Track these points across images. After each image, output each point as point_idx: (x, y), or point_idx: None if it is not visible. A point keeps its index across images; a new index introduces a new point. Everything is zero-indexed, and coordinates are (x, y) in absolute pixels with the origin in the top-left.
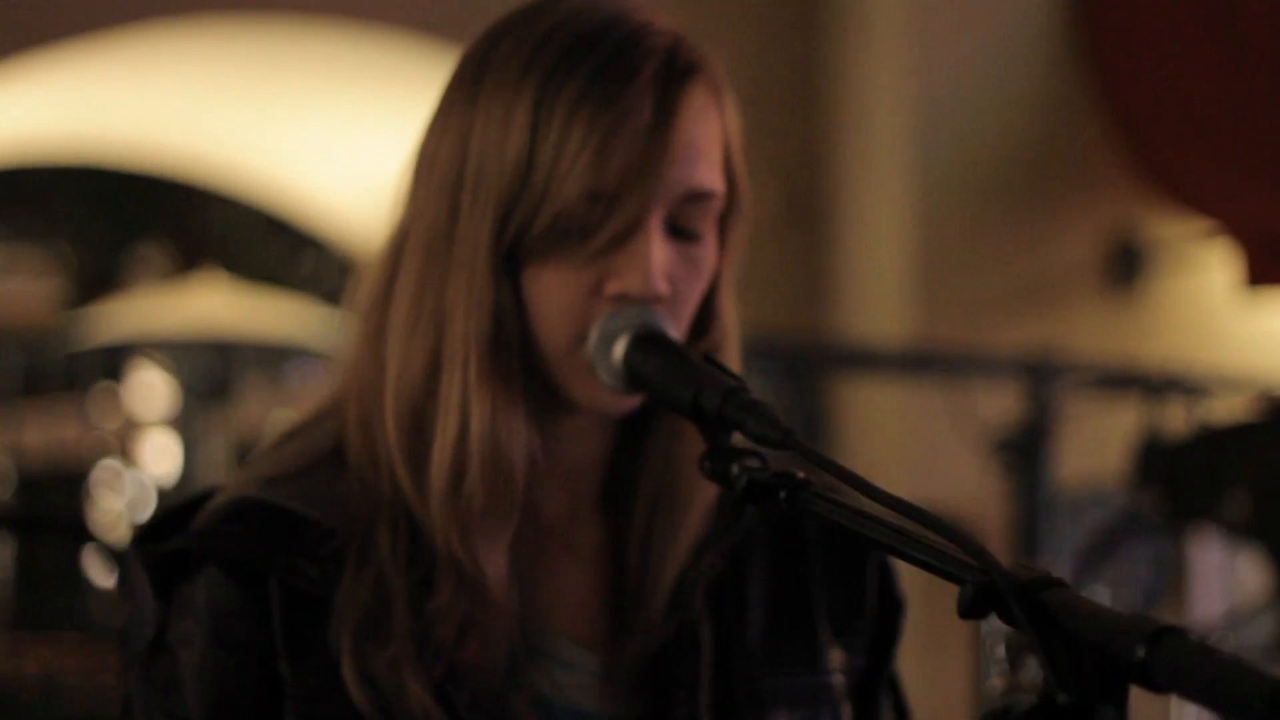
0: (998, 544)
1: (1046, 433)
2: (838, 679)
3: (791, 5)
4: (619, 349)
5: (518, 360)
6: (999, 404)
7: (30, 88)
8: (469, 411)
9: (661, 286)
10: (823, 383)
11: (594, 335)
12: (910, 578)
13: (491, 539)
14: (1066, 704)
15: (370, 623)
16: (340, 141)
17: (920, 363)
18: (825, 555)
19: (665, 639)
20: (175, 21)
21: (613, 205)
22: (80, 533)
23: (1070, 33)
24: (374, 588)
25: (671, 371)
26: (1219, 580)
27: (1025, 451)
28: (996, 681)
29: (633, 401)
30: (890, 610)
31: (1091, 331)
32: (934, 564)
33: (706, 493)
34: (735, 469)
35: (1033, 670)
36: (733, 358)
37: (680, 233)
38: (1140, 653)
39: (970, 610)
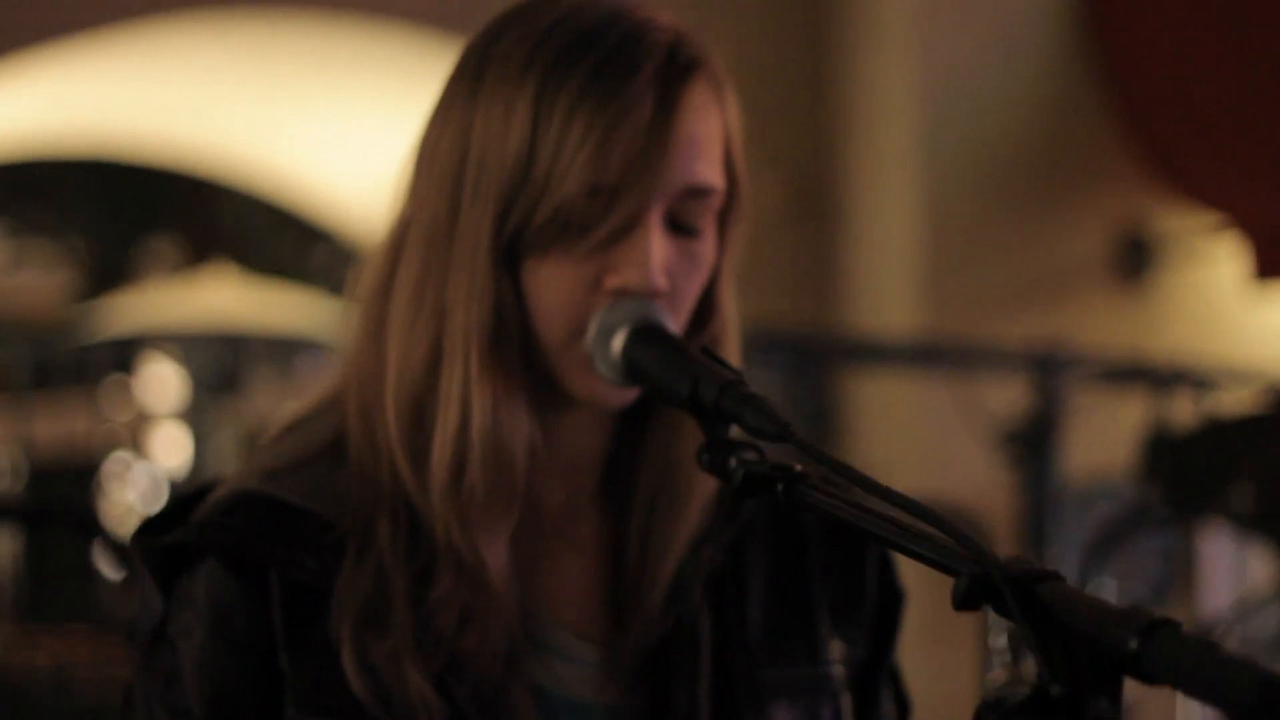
0: (1005, 537)
1: (1054, 425)
2: (838, 670)
3: (800, 1)
4: (618, 342)
5: (518, 353)
6: (1007, 397)
7: (41, 82)
8: (470, 403)
9: (661, 281)
10: (831, 376)
11: (593, 328)
12: (915, 571)
13: (492, 530)
14: (1060, 696)
15: (370, 613)
16: (350, 134)
17: (928, 356)
18: (825, 547)
19: (664, 631)
20: (185, 15)
21: (613, 200)
22: (90, 525)
23: (1078, 27)
24: (374, 578)
25: (669, 364)
26: (1228, 573)
27: (1033, 444)
28: (998, 673)
29: (630, 394)
30: (890, 601)
31: (1099, 325)
32: (930, 556)
33: (706, 486)
34: (733, 462)
35: (1033, 662)
36: (732, 352)
37: (680, 228)
38: (1133, 645)
39: (964, 602)
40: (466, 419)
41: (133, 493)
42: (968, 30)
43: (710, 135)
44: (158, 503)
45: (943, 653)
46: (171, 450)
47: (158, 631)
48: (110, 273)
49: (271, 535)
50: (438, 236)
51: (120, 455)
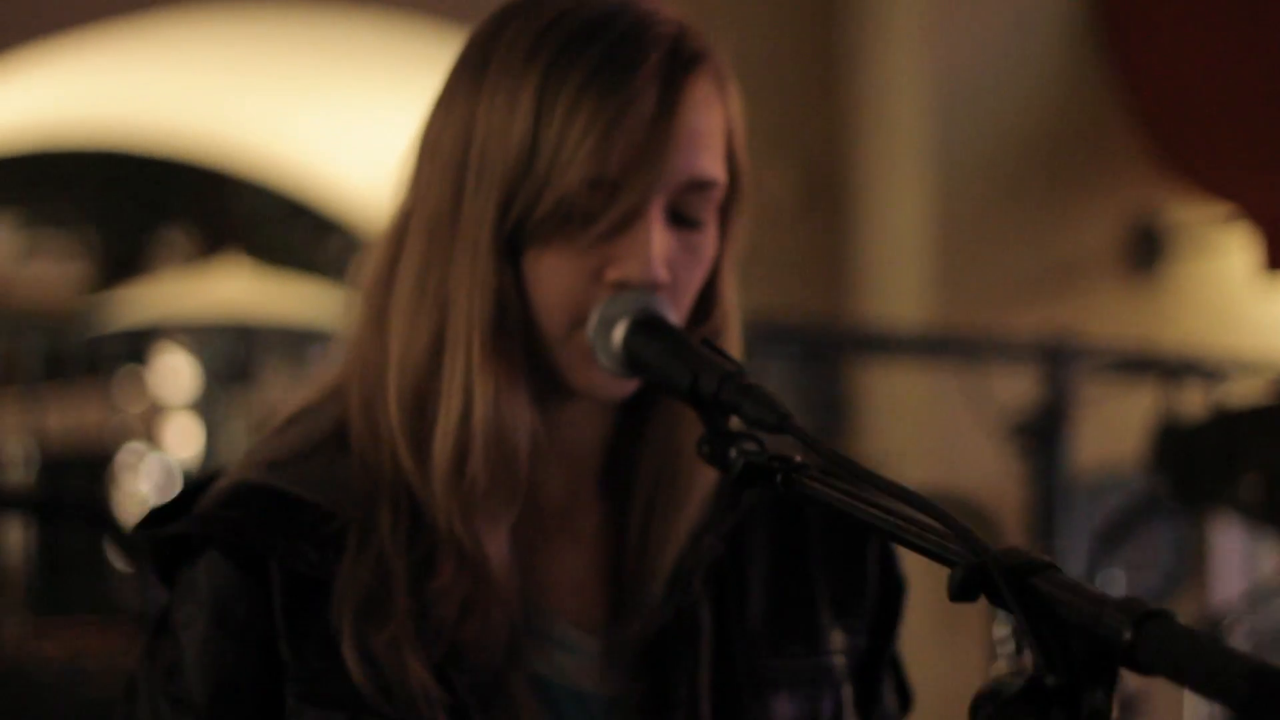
0: (1015, 527)
1: (1064, 416)
2: (839, 660)
3: None
4: (619, 333)
5: (519, 344)
6: (1016, 388)
7: (55, 73)
8: (472, 393)
9: (662, 274)
10: (842, 367)
11: (594, 319)
12: (925, 562)
13: (493, 520)
14: (1055, 687)
15: (371, 602)
16: (363, 126)
17: (937, 347)
18: (826, 537)
19: (664, 622)
20: (199, 7)
21: (615, 192)
22: (103, 516)
23: (1090, 16)
24: (375, 568)
25: (670, 355)
26: (1240, 564)
27: (1042, 435)
28: (1000, 664)
29: (630, 386)
30: (892, 591)
31: (1110, 316)
32: (927, 547)
33: (706, 477)
34: (733, 453)
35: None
36: (733, 344)
37: (681, 220)
38: (1127, 635)
39: (960, 593)
40: (469, 409)
41: (146, 484)
42: (979, 22)
43: (712, 129)
44: (170, 494)
45: (953, 643)
46: (184, 441)
47: (160, 622)
48: (123, 263)
49: (272, 526)
50: (440, 227)
51: (133, 446)
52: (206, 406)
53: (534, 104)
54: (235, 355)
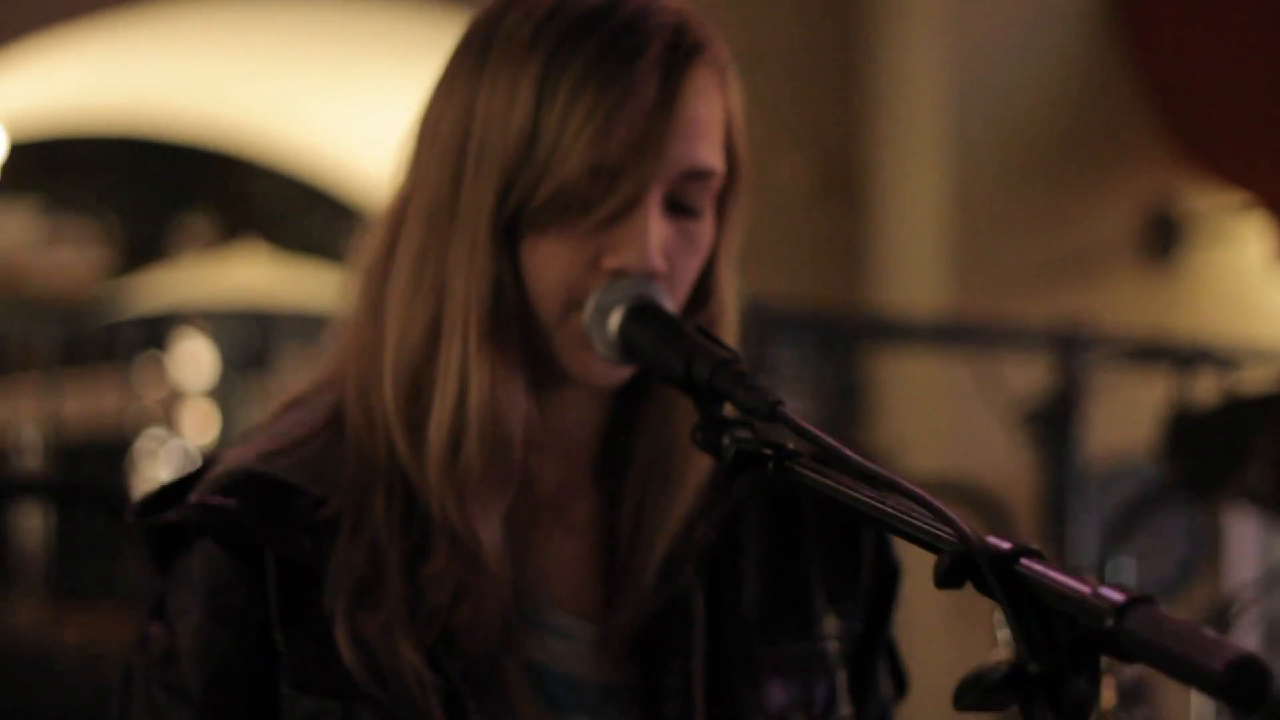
0: (1026, 516)
1: (1076, 405)
2: (832, 646)
3: None
4: (614, 320)
5: (516, 330)
6: (1029, 376)
7: (75, 59)
8: (468, 378)
9: (659, 262)
10: (857, 355)
11: (590, 306)
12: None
13: (487, 506)
14: (1038, 674)
15: (364, 588)
16: (381, 112)
17: (952, 334)
18: (821, 522)
19: (657, 608)
20: None
21: (614, 181)
22: (120, 502)
23: (1106, 6)
24: (368, 553)
25: (664, 342)
26: (1254, 552)
27: (1054, 424)
28: (1000, 651)
29: (625, 373)
30: (886, 575)
31: (1126, 304)
32: (914, 534)
33: (700, 464)
34: (726, 440)
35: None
36: (729, 332)
37: (679, 209)
38: (1109, 622)
39: (945, 580)
40: (464, 394)
41: (165, 470)
42: (996, 10)
43: (712, 118)
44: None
45: (965, 631)
46: (202, 427)
47: (154, 610)
48: (143, 249)
49: (267, 515)
50: (439, 212)
51: (153, 432)
52: (224, 393)
53: (535, 91)
54: (253, 341)
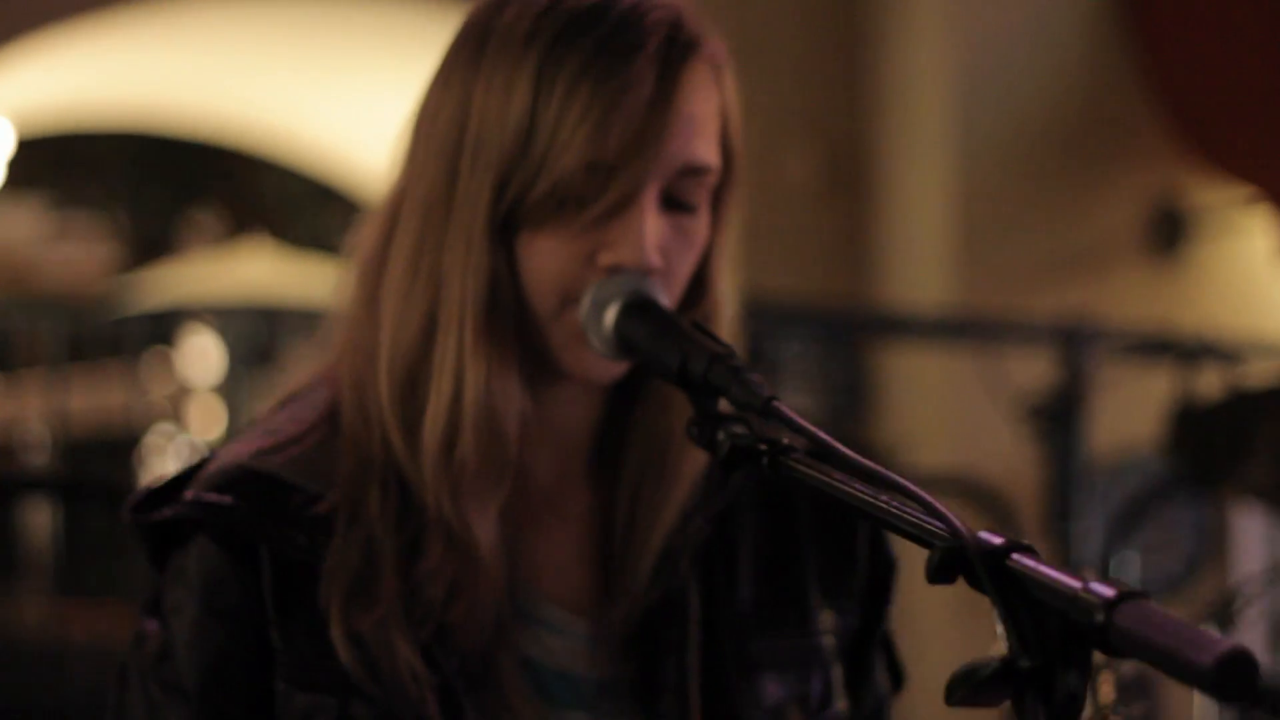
0: (1031, 510)
1: (1081, 399)
2: (828, 640)
3: None
4: (610, 315)
5: (511, 326)
6: (1034, 370)
7: (83, 55)
8: (464, 374)
9: (654, 259)
10: (863, 349)
11: (586, 301)
12: None
13: (482, 502)
14: (1029, 669)
15: (359, 583)
16: (389, 109)
17: (957, 329)
18: (816, 517)
19: (652, 603)
20: None
21: (610, 177)
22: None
23: (1112, 1)
24: (363, 549)
25: (660, 338)
26: (1260, 546)
27: (1059, 418)
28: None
29: (620, 368)
30: (882, 570)
31: (1133, 297)
32: (907, 530)
33: (695, 460)
34: (720, 435)
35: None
36: (725, 328)
37: (675, 205)
38: (1099, 617)
39: (937, 575)
40: (460, 390)
41: (172, 466)
42: (1001, 6)
43: (708, 114)
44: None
45: (973, 626)
46: (210, 423)
47: (150, 607)
48: (151, 245)
49: (262, 511)
50: (434, 207)
51: (161, 428)
52: (232, 388)
53: (532, 87)
54: (260, 337)
